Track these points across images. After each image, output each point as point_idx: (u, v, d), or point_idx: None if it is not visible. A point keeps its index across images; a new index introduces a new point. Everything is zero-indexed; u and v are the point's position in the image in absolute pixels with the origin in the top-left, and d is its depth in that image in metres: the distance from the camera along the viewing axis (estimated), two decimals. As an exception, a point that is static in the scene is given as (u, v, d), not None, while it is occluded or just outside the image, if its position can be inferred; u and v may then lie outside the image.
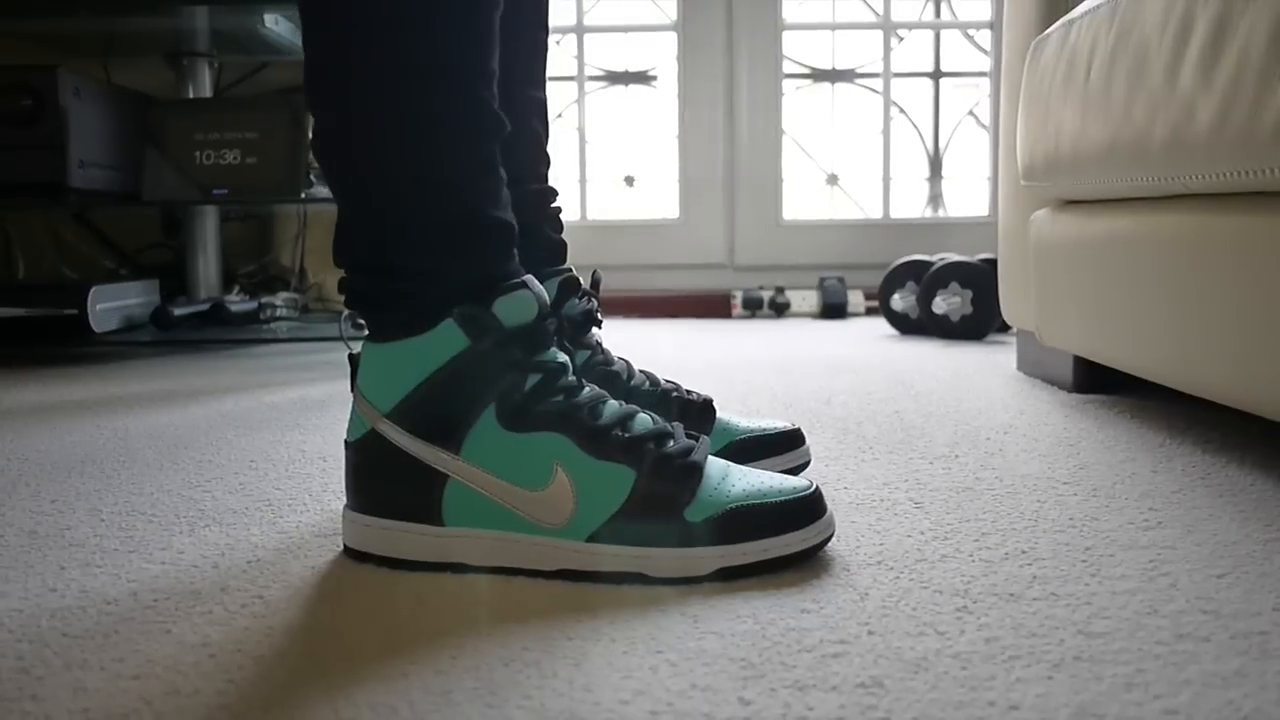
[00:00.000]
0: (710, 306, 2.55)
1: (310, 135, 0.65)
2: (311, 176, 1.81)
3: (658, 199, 2.67)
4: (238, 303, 1.95)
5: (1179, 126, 0.84)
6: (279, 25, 1.82)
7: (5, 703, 0.46)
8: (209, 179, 1.78)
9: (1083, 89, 1.05)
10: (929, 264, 2.03)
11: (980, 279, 1.92)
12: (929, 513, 0.75)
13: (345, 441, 0.66)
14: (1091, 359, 1.16)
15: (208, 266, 2.05)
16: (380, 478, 0.64)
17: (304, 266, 2.25)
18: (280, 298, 2.06)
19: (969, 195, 2.69)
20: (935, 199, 2.70)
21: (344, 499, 0.68)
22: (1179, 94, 0.84)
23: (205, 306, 1.90)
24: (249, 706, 0.46)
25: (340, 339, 1.72)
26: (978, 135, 2.67)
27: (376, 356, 0.64)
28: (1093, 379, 1.26)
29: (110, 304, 1.72)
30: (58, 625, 0.56)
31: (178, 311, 1.82)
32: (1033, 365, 1.43)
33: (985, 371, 1.49)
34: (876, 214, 2.68)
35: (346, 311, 1.89)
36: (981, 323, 1.93)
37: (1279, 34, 0.71)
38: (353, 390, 0.66)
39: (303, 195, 1.78)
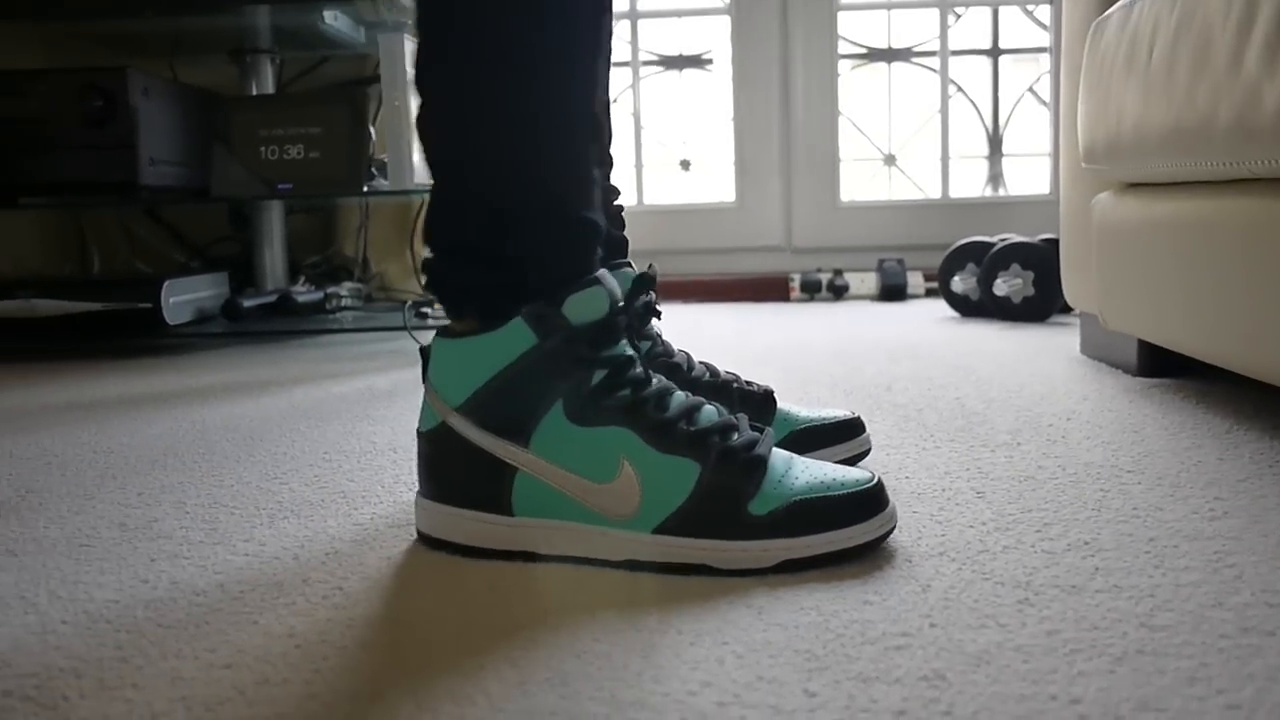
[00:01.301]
0: (768, 289, 2.55)
1: (414, 116, 0.68)
2: (373, 169, 1.85)
3: (714, 183, 2.67)
4: (303, 293, 1.99)
5: (1244, 112, 0.83)
6: (338, 20, 1.85)
7: (108, 690, 0.49)
8: (274, 174, 1.82)
9: (1144, 72, 1.03)
10: (989, 245, 2.01)
11: (1042, 260, 1.89)
12: (991, 502, 0.76)
13: (418, 431, 0.69)
14: (1156, 343, 1.15)
15: (274, 258, 2.09)
16: (451, 468, 0.67)
17: (367, 257, 2.29)
18: (345, 288, 2.10)
19: (1030, 173, 2.65)
20: (995, 178, 2.66)
21: (415, 490, 0.71)
22: (1244, 79, 0.83)
23: (273, 298, 1.95)
24: (336, 696, 0.48)
25: (404, 328, 1.75)
26: (1038, 112, 2.63)
27: (448, 351, 0.66)
28: (1157, 363, 1.25)
29: (182, 297, 1.77)
30: (152, 616, 0.59)
31: (247, 303, 1.86)
32: (1096, 348, 1.41)
33: (1047, 355, 1.48)
34: (935, 194, 2.66)
35: (410, 301, 1.93)
36: (1044, 304, 1.91)
37: (1348, 17, 0.70)
38: (424, 381, 0.68)
39: (364, 189, 1.81)
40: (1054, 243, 1.88)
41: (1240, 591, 0.58)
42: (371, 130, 1.88)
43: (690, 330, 1.94)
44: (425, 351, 0.68)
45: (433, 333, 0.71)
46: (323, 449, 1.00)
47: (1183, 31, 0.95)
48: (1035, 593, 0.58)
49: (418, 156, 1.77)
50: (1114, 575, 0.61)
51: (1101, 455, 0.89)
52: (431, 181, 0.68)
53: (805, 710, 0.46)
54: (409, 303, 1.92)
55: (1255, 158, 0.84)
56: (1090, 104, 1.21)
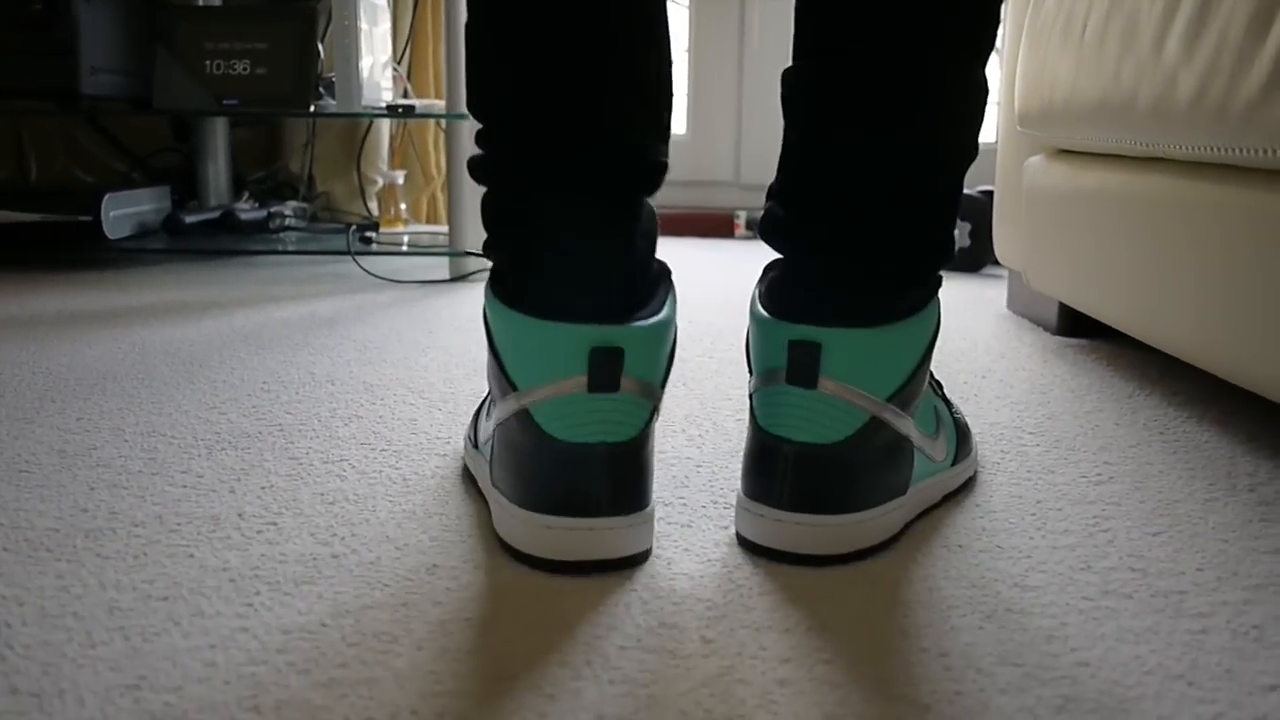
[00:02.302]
0: (714, 226, 2.57)
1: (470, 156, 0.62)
2: (320, 89, 1.83)
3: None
4: (247, 210, 1.98)
5: (1162, 95, 0.87)
6: (289, -67, 1.81)
7: (50, 619, 0.52)
8: (219, 88, 1.80)
9: (1078, 44, 1.06)
10: (930, 194, 2.05)
11: (978, 211, 1.94)
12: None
13: (815, 445, 0.59)
14: (1073, 306, 1.20)
15: (217, 173, 2.07)
16: (884, 464, 0.61)
17: (312, 175, 2.27)
18: (289, 206, 2.09)
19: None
20: (943, 124, 2.69)
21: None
22: (1164, 63, 0.86)
23: (216, 214, 1.93)
24: (268, 630, 0.52)
25: (349, 253, 1.76)
26: (992, 60, 2.65)
27: (859, 341, 0.59)
28: (1076, 323, 1.30)
29: (123, 210, 1.76)
30: (91, 546, 0.61)
31: (189, 219, 1.85)
32: (1021, 304, 1.47)
33: (975, 309, 1.53)
34: (883, 137, 2.68)
35: (355, 225, 1.93)
36: (978, 255, 1.96)
37: (1257, 19, 0.74)
38: (813, 382, 0.59)
39: (312, 108, 1.80)
40: (991, 194, 1.93)
41: (1109, 556, 0.63)
42: (320, 47, 1.85)
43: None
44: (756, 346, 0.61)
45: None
46: (262, 378, 1.02)
47: (1115, 10, 0.98)
48: (923, 552, 0.63)
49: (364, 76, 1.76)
50: (998, 536, 0.66)
51: (1008, 416, 0.94)
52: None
53: (700, 655, 0.50)
54: (353, 227, 1.92)
55: (1169, 139, 0.88)
56: (1028, 67, 1.24)
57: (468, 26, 0.60)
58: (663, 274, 0.63)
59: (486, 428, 0.65)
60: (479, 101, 0.60)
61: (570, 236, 0.59)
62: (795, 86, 0.62)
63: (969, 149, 0.62)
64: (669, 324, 0.59)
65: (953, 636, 0.52)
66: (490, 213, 0.61)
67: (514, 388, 0.58)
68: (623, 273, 0.60)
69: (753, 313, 0.63)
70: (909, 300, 0.62)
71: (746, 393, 0.65)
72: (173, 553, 0.61)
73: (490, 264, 0.62)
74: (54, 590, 0.55)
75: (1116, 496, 0.73)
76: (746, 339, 0.65)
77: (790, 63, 0.64)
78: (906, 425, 0.62)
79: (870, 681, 0.48)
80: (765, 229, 0.64)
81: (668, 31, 0.61)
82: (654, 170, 0.61)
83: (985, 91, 0.62)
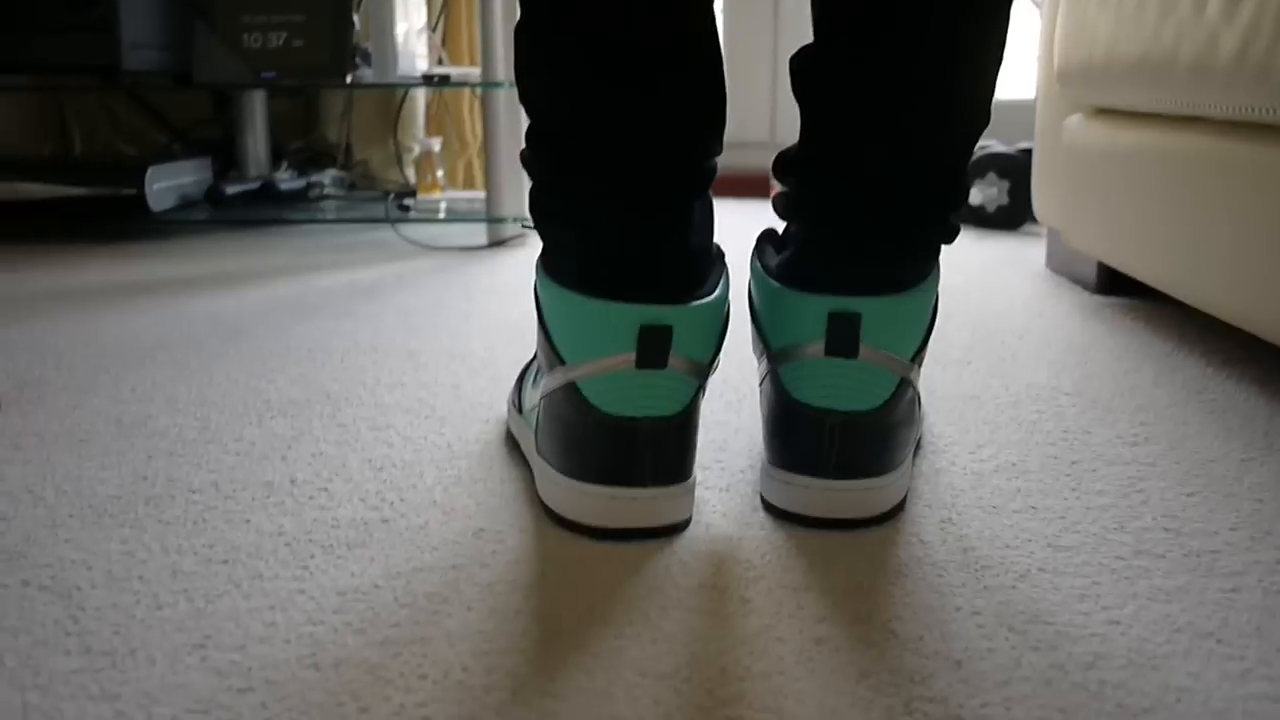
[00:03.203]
0: (750, 187, 2.57)
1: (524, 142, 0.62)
2: (356, 59, 1.84)
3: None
4: (286, 180, 2.00)
5: (1203, 54, 0.86)
6: (322, -98, 1.81)
7: (117, 582, 0.55)
8: (257, 60, 1.82)
9: (1118, 2, 1.05)
10: (967, 153, 2.04)
11: (1017, 169, 1.92)
12: (932, 422, 0.81)
13: (860, 412, 0.60)
14: (1112, 265, 1.19)
15: (256, 143, 2.10)
16: (910, 421, 0.63)
17: (350, 143, 2.29)
18: (328, 175, 2.11)
19: (1017, 76, 2.65)
20: (981, 80, 2.66)
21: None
22: (1205, 23, 0.85)
23: (256, 185, 1.96)
24: (324, 592, 0.54)
25: (387, 220, 1.78)
26: (1031, 14, 2.61)
27: (893, 308, 0.60)
28: (1115, 281, 1.30)
29: (166, 183, 1.79)
30: (152, 513, 0.64)
31: (230, 190, 1.88)
32: (1060, 263, 1.46)
33: (1014, 267, 1.52)
34: (920, 95, 2.65)
35: (393, 194, 1.95)
36: (1017, 213, 1.95)
37: (1300, -28, 0.73)
38: (852, 352, 0.60)
39: (348, 79, 1.81)
40: (1030, 152, 1.91)
41: (1142, 516, 0.64)
42: (355, 18, 1.86)
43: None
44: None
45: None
46: (307, 346, 1.04)
47: (1154, -35, 0.97)
48: (959, 513, 0.64)
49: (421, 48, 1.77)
50: (1033, 497, 0.66)
51: (1045, 376, 0.94)
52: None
53: (739, 615, 0.52)
54: (391, 195, 1.94)
55: (1210, 99, 0.87)
56: (1068, 25, 1.23)
57: (517, 31, 0.60)
58: (718, 257, 0.64)
59: (533, 396, 0.66)
60: (528, 104, 0.61)
61: (621, 235, 0.60)
62: (813, 69, 0.63)
63: (985, 115, 0.63)
64: (720, 304, 0.60)
65: (986, 596, 0.54)
66: (540, 209, 0.62)
67: (562, 361, 0.59)
68: (675, 259, 0.61)
69: (762, 286, 0.64)
70: (931, 264, 0.63)
71: (760, 364, 0.65)
72: (230, 518, 0.63)
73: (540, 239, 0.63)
74: (119, 555, 0.58)
75: (1152, 457, 0.74)
76: (753, 310, 0.66)
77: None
78: (918, 377, 0.64)
79: (904, 639, 0.49)
80: (788, 207, 0.65)
81: (718, 43, 0.60)
82: (706, 175, 0.62)
83: (1002, 54, 0.62)
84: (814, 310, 0.60)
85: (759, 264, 0.65)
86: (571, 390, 0.59)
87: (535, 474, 0.66)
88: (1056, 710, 0.44)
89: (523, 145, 0.62)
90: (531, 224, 0.63)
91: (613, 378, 0.57)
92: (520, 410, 0.73)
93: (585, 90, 0.58)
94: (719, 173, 0.63)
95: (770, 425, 0.63)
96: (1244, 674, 0.47)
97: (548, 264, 0.62)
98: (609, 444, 0.58)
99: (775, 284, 0.62)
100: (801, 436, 0.61)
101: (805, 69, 0.63)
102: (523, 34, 0.60)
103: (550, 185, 0.61)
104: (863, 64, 0.60)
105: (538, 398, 0.64)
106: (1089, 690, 0.45)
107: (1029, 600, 0.53)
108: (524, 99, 0.61)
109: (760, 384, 0.66)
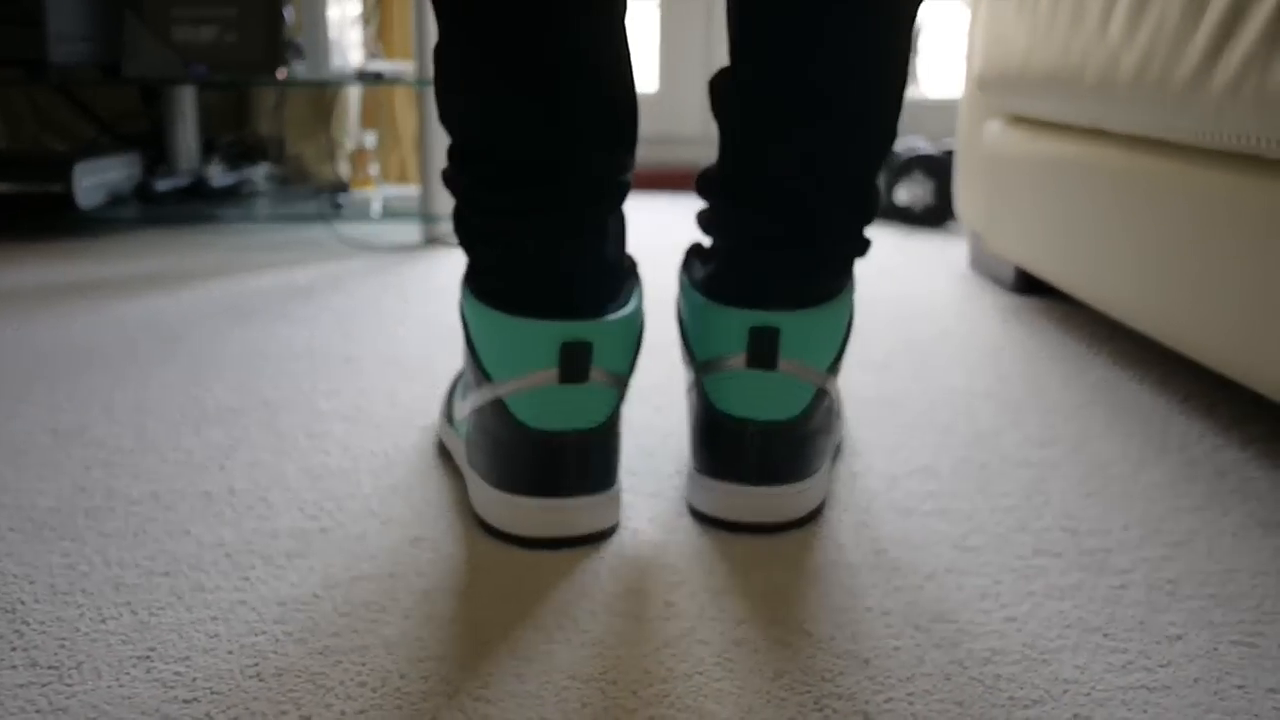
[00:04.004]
0: (683, 181, 2.60)
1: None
2: (289, 53, 1.83)
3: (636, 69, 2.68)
4: (218, 176, 1.99)
5: (1106, 71, 0.91)
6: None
7: (60, 595, 0.56)
8: (187, 54, 1.80)
9: (1033, 14, 1.10)
10: (894, 153, 2.09)
11: (944, 170, 1.98)
12: (851, 427, 0.85)
13: (779, 422, 0.63)
14: (1028, 269, 1.24)
15: (187, 138, 2.08)
16: (826, 429, 0.67)
17: (283, 137, 2.28)
18: (260, 170, 2.10)
19: (946, 74, 2.72)
20: (911, 77, 2.72)
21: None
22: (1108, 41, 0.90)
23: (187, 181, 1.94)
24: (264, 602, 0.56)
25: (320, 219, 1.78)
26: (962, 14, 2.67)
27: (810, 322, 0.63)
28: (1032, 282, 1.35)
29: (95, 179, 1.76)
30: (93, 525, 0.65)
31: (161, 186, 1.86)
32: (981, 264, 1.51)
33: (937, 267, 1.58)
34: (851, 93, 2.70)
35: (328, 191, 1.94)
36: (943, 211, 2.00)
37: (1193, 4, 0.77)
38: (774, 365, 0.63)
39: (282, 74, 1.80)
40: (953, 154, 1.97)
41: (1044, 516, 0.68)
42: (287, 11, 1.85)
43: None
44: (766, 335, 0.63)
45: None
46: (243, 351, 1.05)
47: (1063, -15, 1.01)
48: (873, 516, 0.68)
49: (354, 39, 1.77)
50: (943, 499, 0.70)
51: (961, 379, 0.99)
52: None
53: (662, 618, 0.55)
54: (324, 192, 1.93)
55: (1113, 114, 0.92)
56: (988, 33, 1.28)
57: (435, 50, 0.62)
58: (630, 269, 0.67)
59: (462, 408, 0.68)
60: (447, 122, 0.63)
61: (539, 251, 0.62)
62: (725, 89, 0.66)
63: (890, 132, 0.66)
64: (635, 316, 0.63)
65: (895, 596, 0.57)
66: (461, 226, 0.64)
67: (489, 378, 0.62)
68: (592, 276, 0.64)
69: (689, 299, 0.67)
70: (846, 277, 0.67)
71: (688, 374, 0.68)
72: (170, 530, 0.64)
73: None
74: (61, 568, 0.59)
75: (1056, 459, 0.78)
76: (680, 322, 0.69)
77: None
78: (836, 388, 0.67)
79: (818, 639, 0.53)
80: (707, 223, 0.68)
81: (627, 63, 0.63)
82: (621, 189, 0.65)
83: (904, 73, 0.64)
84: (736, 324, 0.63)
85: (686, 277, 0.68)
86: (499, 406, 0.61)
87: (467, 484, 0.68)
88: (954, 704, 0.48)
89: (447, 175, 0.64)
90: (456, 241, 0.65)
91: (537, 394, 0.60)
92: (451, 421, 0.75)
93: (495, 103, 0.60)
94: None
95: (696, 433, 0.66)
96: (1125, 666, 0.51)
97: (471, 282, 0.64)
98: (536, 458, 0.61)
99: (700, 297, 0.65)
100: (724, 445, 0.64)
101: (719, 89, 0.66)
102: (439, 51, 0.62)
103: (471, 203, 0.63)
104: (767, 84, 0.63)
105: (467, 410, 0.66)
106: (985, 684, 0.49)
107: (934, 600, 0.57)
108: (443, 117, 0.63)
109: (687, 393, 0.69)
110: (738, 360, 0.63)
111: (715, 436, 0.65)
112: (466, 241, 0.64)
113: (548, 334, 0.59)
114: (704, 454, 0.66)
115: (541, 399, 0.60)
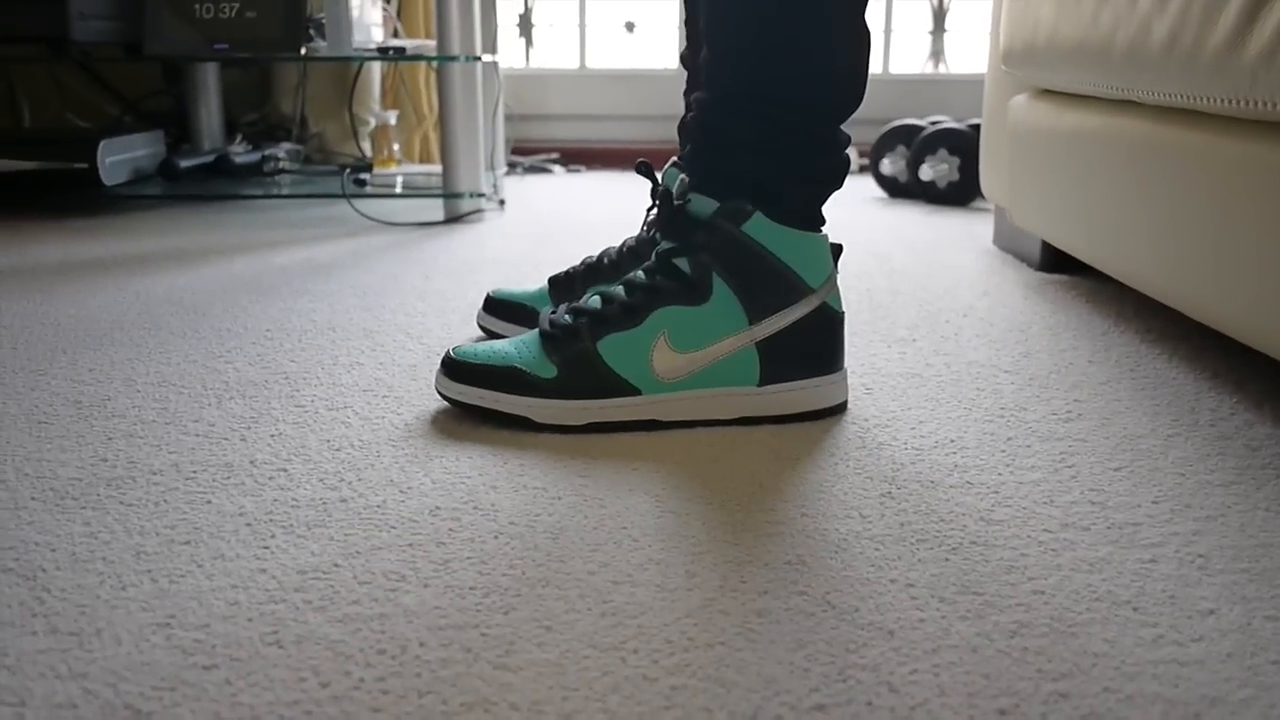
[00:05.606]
0: (661, 160, 2.58)
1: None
2: (310, 30, 1.83)
3: (658, 47, 2.67)
4: (241, 154, 1.99)
5: (1136, 41, 0.89)
6: None
7: (81, 563, 0.56)
8: (209, 32, 1.80)
9: (1061, -15, 1.08)
10: (920, 128, 2.07)
11: (969, 146, 1.96)
12: (876, 399, 0.84)
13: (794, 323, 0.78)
14: (1053, 244, 1.23)
15: (210, 115, 2.08)
16: (837, 336, 0.80)
17: (305, 116, 2.28)
18: (282, 149, 2.10)
19: (973, 51, 2.68)
20: (937, 54, 2.69)
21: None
22: (1139, 11, 0.88)
23: (210, 158, 1.95)
24: (285, 571, 0.56)
25: (343, 195, 1.78)
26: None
27: (810, 242, 0.78)
28: (1058, 259, 1.33)
29: (119, 156, 1.77)
30: (114, 494, 0.65)
31: (184, 164, 1.86)
32: (1006, 240, 1.49)
33: (961, 244, 1.56)
34: (876, 69, 2.68)
35: (349, 168, 1.94)
36: (968, 188, 1.98)
37: (1227, -34, 0.75)
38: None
39: (302, 51, 1.80)
40: (979, 129, 1.94)
41: (1071, 490, 0.67)
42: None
43: (627, 201, 1.98)
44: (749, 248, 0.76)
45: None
46: (264, 325, 1.05)
47: (1094, -48, 0.99)
48: (898, 486, 0.67)
49: (372, 17, 1.76)
50: (969, 472, 0.70)
51: (986, 354, 0.97)
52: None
53: (685, 589, 0.54)
54: (347, 170, 1.93)
55: (1143, 84, 0.90)
56: (1013, 8, 1.26)
57: None
58: None
59: (764, 327, 0.77)
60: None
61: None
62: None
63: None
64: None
65: (920, 568, 0.57)
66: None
67: (811, 289, 0.77)
68: None
69: (784, 235, 0.77)
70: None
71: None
72: (191, 499, 0.64)
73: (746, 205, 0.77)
74: (83, 537, 0.59)
75: (1083, 433, 0.77)
76: (763, 259, 0.78)
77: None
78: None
79: (841, 610, 0.52)
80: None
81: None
82: None
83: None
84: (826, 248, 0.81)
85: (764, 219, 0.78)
86: (824, 308, 0.78)
87: (770, 407, 0.78)
88: (981, 676, 0.47)
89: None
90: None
91: (835, 291, 0.80)
92: (639, 391, 0.77)
93: None
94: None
95: (827, 341, 0.81)
96: (1156, 640, 0.50)
97: (774, 213, 0.76)
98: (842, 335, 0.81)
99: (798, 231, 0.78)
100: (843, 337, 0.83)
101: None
102: None
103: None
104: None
105: (777, 326, 0.77)
106: (1012, 657, 0.49)
107: (960, 572, 0.56)
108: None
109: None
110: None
111: (840, 334, 0.80)
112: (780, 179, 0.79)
113: (827, 243, 0.79)
114: (839, 353, 0.81)
115: (837, 293, 0.80)
